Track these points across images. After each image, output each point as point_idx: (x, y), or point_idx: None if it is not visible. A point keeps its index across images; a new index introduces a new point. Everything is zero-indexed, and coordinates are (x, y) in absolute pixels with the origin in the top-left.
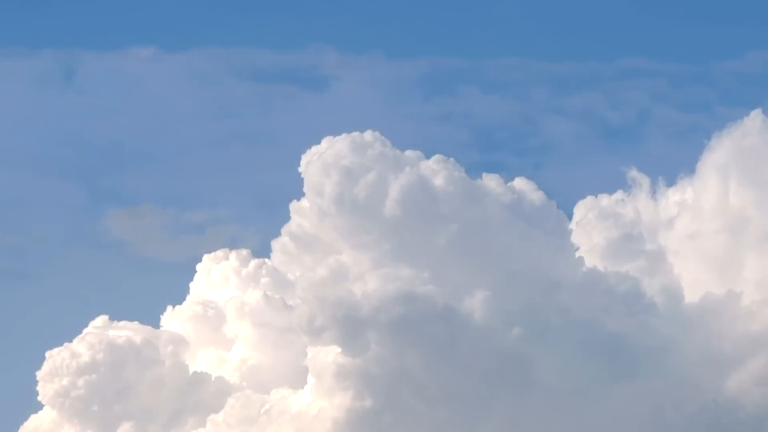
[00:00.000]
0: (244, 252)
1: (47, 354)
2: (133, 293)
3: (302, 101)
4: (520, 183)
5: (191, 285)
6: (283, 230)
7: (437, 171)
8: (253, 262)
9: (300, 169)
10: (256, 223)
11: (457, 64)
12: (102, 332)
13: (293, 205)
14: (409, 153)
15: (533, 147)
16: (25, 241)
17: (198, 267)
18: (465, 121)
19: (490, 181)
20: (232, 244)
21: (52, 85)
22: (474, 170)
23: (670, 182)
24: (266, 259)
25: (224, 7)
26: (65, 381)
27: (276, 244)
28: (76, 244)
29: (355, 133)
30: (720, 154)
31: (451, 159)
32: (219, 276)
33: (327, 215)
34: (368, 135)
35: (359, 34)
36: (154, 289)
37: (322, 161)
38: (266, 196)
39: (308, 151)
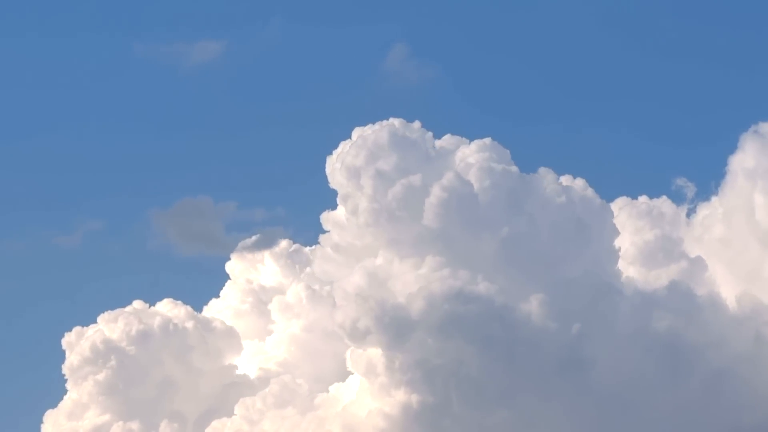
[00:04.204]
0: (285, 243)
1: (64, 342)
2: (176, 285)
3: None
4: (567, 180)
5: (230, 277)
6: (321, 239)
7: (484, 165)
8: (296, 254)
9: (330, 184)
10: (314, 225)
11: None
12: (136, 316)
13: (325, 217)
14: (450, 139)
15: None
16: (77, 235)
17: (234, 261)
18: None
19: (542, 178)
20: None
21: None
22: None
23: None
24: (309, 247)
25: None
26: (100, 375)
27: (315, 252)
28: (124, 233)
29: (392, 121)
30: (748, 156)
31: (507, 151)
32: (260, 269)
33: (363, 227)
34: (399, 123)
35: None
36: (197, 283)
37: (351, 165)
38: (326, 197)
39: (333, 153)
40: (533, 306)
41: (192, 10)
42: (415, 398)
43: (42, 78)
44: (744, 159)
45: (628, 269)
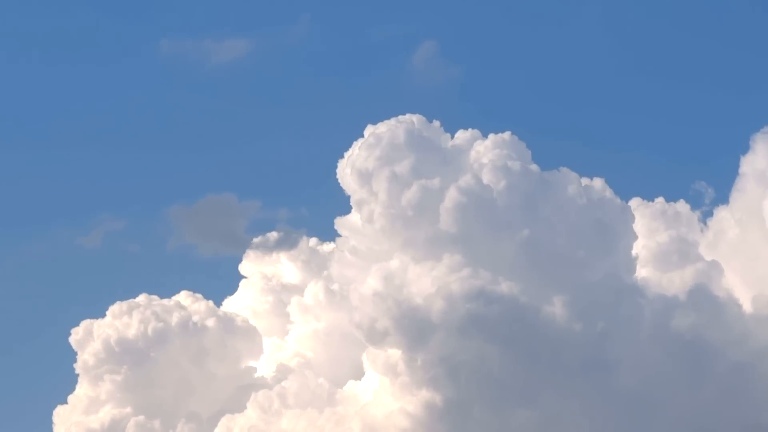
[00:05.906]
0: (303, 242)
1: (72, 338)
2: (196, 284)
3: None
4: (586, 181)
5: (245, 276)
6: (338, 243)
7: (501, 164)
8: (315, 254)
9: (342, 186)
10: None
11: None
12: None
13: (339, 222)
14: (464, 134)
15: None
16: (97, 232)
17: (248, 260)
18: None
19: (564, 177)
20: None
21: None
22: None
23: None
24: (327, 246)
25: None
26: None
27: (333, 255)
28: (145, 231)
29: (409, 117)
30: (759, 157)
31: (529, 151)
32: (279, 268)
33: (379, 233)
34: (416, 119)
35: None
36: (217, 281)
37: (363, 167)
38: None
39: (344, 154)
40: (556, 306)
41: (220, 7)
42: (438, 397)
43: (62, 75)
44: (755, 160)
45: (641, 271)
